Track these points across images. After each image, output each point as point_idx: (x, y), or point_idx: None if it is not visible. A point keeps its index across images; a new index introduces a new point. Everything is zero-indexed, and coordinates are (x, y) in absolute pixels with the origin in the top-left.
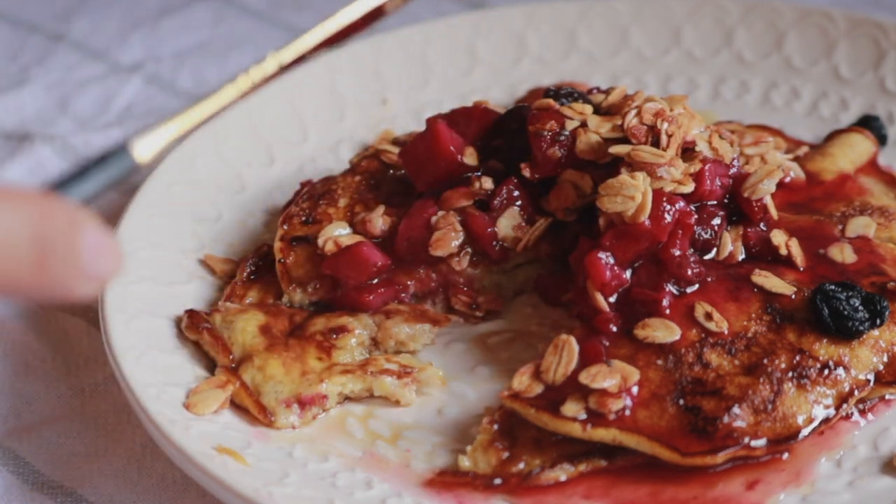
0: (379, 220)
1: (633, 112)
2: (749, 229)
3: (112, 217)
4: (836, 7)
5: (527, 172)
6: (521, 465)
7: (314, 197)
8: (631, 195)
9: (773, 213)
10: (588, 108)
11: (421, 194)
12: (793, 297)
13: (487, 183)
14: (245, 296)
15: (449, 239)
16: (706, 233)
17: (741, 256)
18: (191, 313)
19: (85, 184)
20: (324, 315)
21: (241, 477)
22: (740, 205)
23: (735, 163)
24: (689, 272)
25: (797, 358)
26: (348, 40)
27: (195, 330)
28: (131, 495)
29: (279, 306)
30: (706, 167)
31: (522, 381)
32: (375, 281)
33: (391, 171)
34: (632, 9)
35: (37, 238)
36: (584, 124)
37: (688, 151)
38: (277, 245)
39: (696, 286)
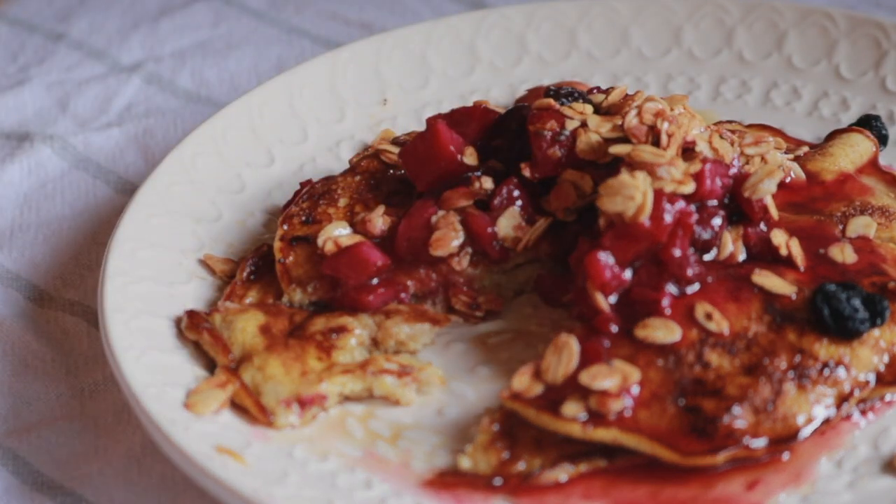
0: (379, 220)
1: (634, 112)
2: (749, 229)
3: (112, 217)
4: (837, 7)
5: (527, 172)
6: (522, 466)
7: (314, 197)
8: (631, 195)
9: (774, 213)
10: (588, 108)
11: (421, 194)
12: (793, 297)
13: (487, 183)
14: (245, 296)
15: (449, 239)
16: (706, 233)
17: (741, 256)
18: (191, 313)
19: None
20: (324, 315)
21: (240, 477)
22: (741, 205)
23: (735, 163)
24: (690, 272)
25: (797, 358)
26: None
27: (195, 330)
28: (131, 495)
29: (279, 306)
30: (706, 167)
31: (522, 381)
32: (375, 281)
33: (391, 171)
34: (632, 9)
35: None
36: (584, 124)
37: (688, 151)
38: (277, 245)
39: (697, 286)
